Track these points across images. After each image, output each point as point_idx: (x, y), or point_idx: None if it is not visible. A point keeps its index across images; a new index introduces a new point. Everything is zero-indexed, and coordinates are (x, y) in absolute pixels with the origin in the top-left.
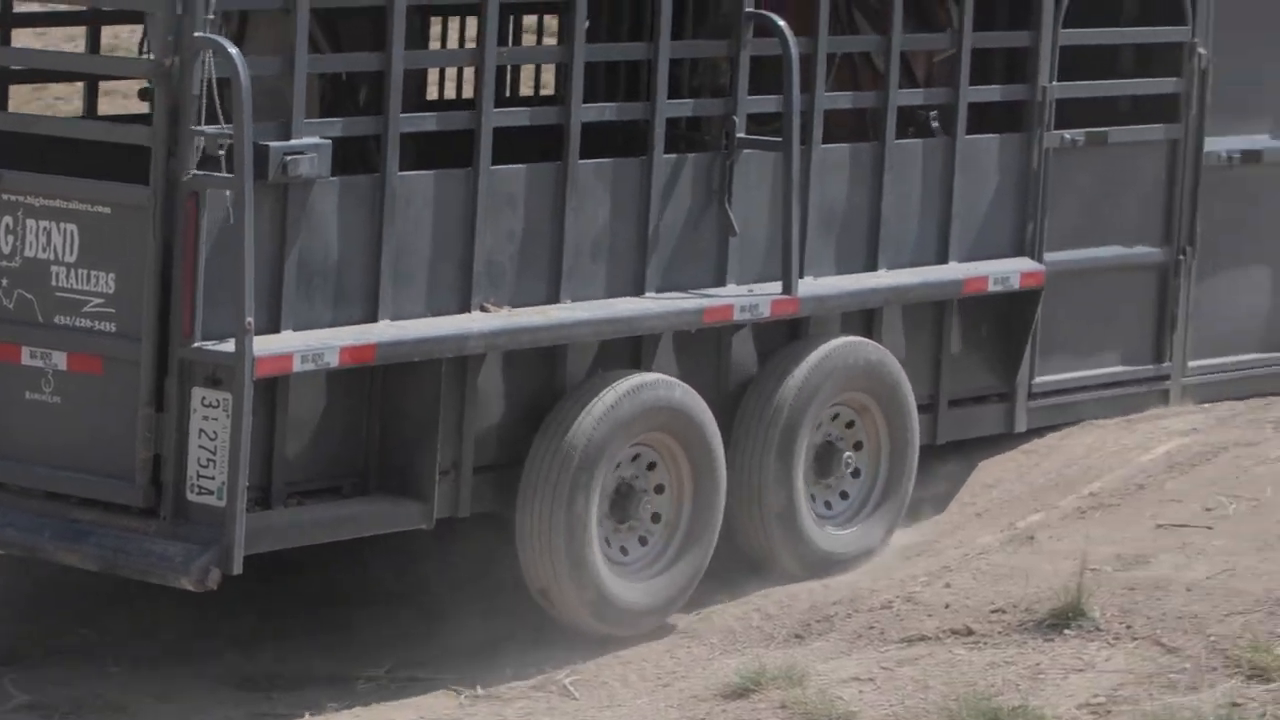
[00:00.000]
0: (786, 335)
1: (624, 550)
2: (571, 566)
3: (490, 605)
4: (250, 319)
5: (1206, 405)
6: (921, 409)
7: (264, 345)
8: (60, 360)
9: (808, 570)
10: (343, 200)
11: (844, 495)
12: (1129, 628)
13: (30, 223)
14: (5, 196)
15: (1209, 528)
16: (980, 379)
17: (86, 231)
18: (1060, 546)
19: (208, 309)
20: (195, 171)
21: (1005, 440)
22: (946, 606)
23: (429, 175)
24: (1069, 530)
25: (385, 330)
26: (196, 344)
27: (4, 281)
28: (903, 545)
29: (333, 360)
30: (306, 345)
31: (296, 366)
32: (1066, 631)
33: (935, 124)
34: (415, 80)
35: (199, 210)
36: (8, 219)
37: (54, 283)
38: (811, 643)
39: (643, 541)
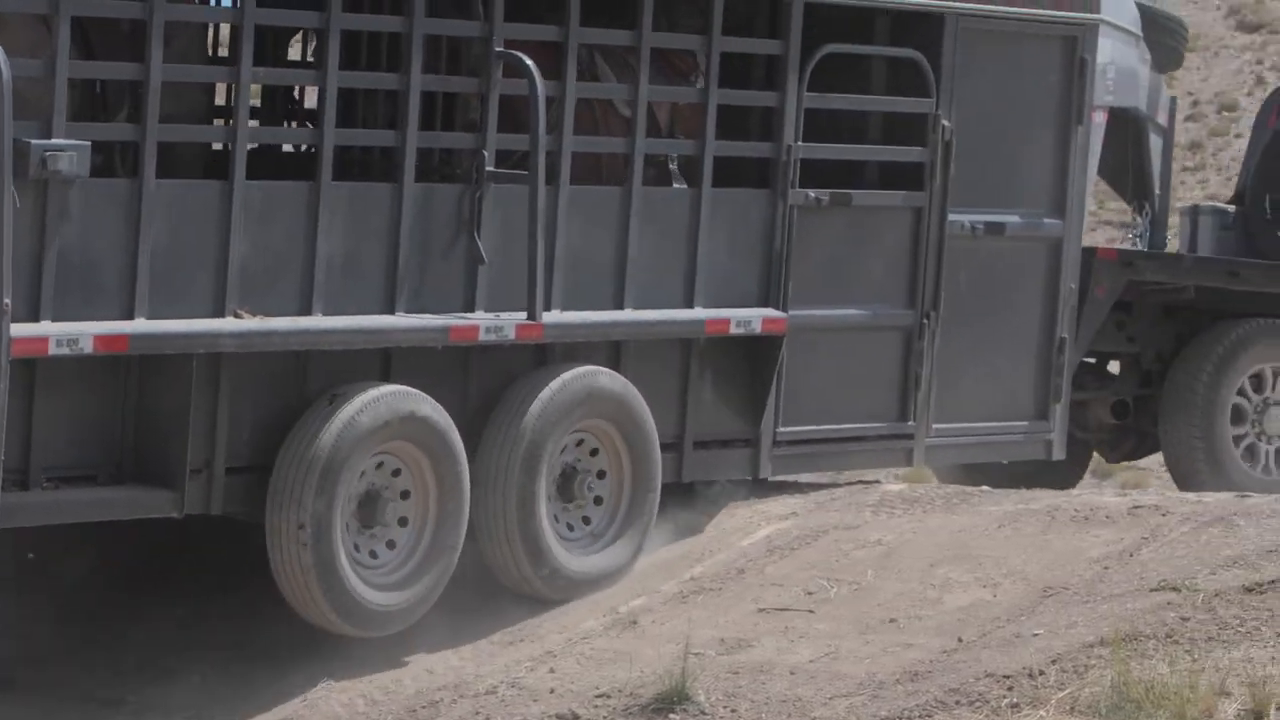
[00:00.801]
0: (533, 361)
1: (373, 554)
2: (319, 573)
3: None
4: (7, 300)
5: (807, 489)
6: (668, 448)
7: (21, 329)
8: None
9: (552, 590)
10: (101, 202)
11: (586, 520)
12: (734, 711)
13: None
14: None
15: (811, 611)
16: (726, 423)
17: None
18: (663, 630)
19: None
20: None
21: None
22: (551, 691)
23: (185, 184)
24: (672, 614)
25: (140, 324)
26: None
27: None
28: (501, 635)
29: (87, 346)
30: (62, 331)
31: (52, 349)
32: (672, 716)
33: (674, 167)
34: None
35: None
36: None
37: None
38: None
39: (390, 546)
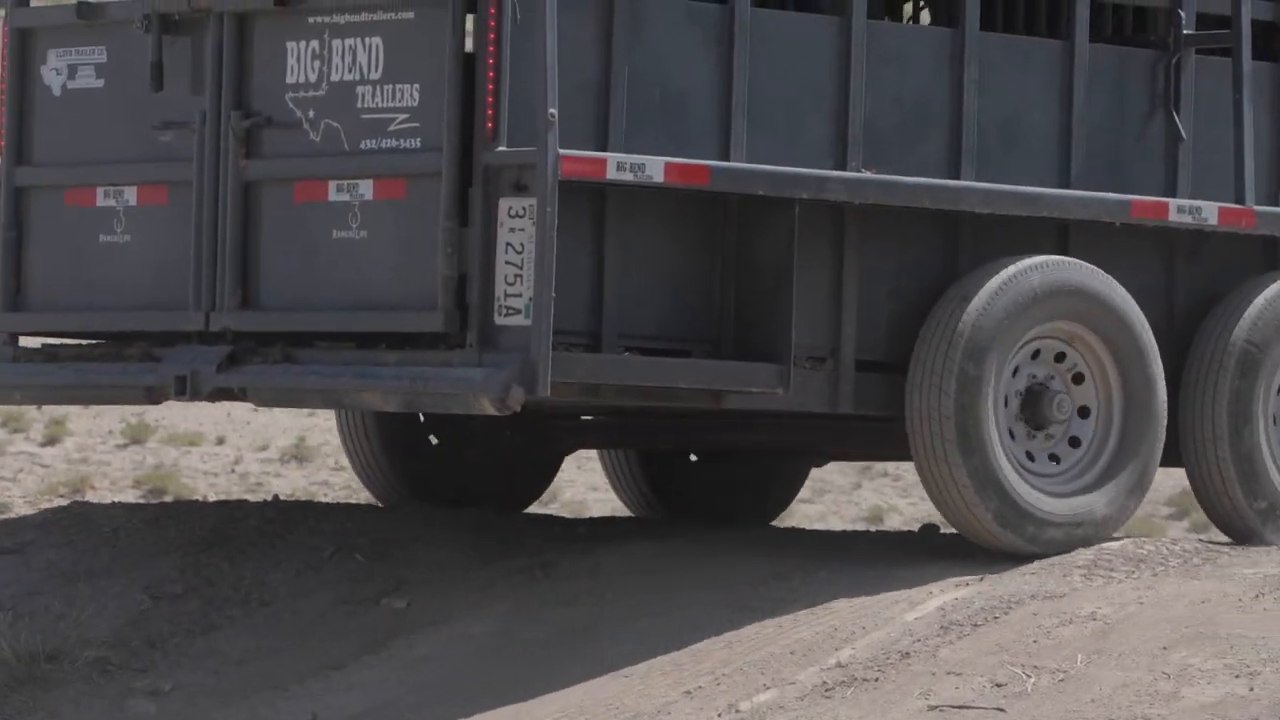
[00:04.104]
0: (1261, 262)
1: (1031, 458)
2: (973, 476)
3: None
4: (553, 110)
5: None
6: None
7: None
8: (367, 189)
9: (1267, 526)
10: (685, 27)
11: None
12: None
13: (336, 43)
14: (311, 19)
15: (1001, 710)
16: None
17: (391, 42)
18: None
19: (513, 110)
20: None
21: (717, 583)
22: None
23: (786, 15)
24: (812, 713)
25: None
26: (500, 147)
27: (311, 113)
28: None
29: (656, 174)
30: (626, 157)
31: (611, 173)
32: None
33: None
34: None
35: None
36: (314, 44)
37: (360, 104)
38: None
39: (1056, 459)
